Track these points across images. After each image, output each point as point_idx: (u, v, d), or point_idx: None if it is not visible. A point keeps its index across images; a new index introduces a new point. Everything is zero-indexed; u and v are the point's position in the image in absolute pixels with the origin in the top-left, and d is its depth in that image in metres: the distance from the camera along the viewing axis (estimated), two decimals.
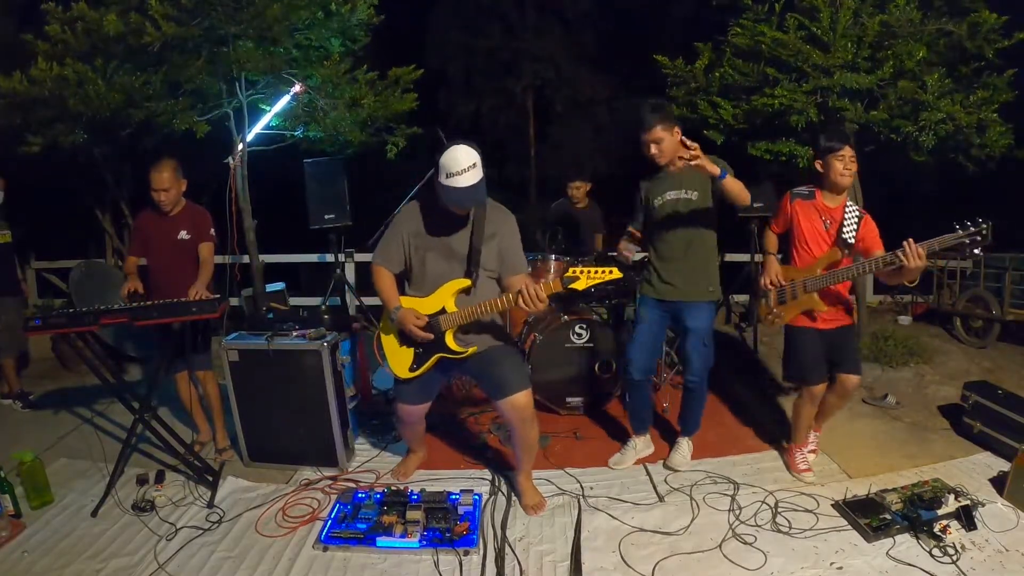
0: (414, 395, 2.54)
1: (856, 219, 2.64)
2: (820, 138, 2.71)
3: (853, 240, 2.62)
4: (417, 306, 2.35)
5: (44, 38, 3.91)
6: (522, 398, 2.37)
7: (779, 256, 2.84)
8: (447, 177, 2.13)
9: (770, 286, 2.75)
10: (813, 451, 3.02)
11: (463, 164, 2.12)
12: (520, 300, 2.15)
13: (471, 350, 2.36)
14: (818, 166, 2.68)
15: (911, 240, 2.28)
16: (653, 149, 2.66)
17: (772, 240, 2.87)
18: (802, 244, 2.72)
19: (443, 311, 2.32)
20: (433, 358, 2.39)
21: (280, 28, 4.02)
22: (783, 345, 2.87)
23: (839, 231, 2.64)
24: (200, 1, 3.74)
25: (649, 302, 2.88)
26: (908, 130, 4.00)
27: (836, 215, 2.66)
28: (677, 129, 2.65)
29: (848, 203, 2.69)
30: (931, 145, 4.01)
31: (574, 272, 2.08)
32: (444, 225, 2.33)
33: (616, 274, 2.10)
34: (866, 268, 2.53)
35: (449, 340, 2.34)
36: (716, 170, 2.48)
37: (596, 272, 2.08)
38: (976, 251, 2.22)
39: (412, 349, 2.41)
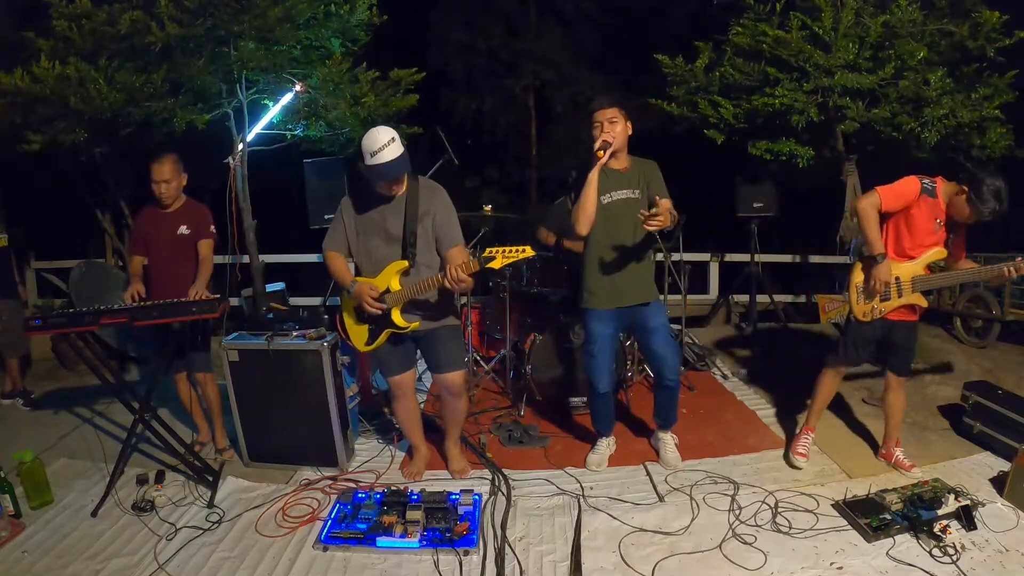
0: (395, 366, 2.72)
1: (961, 226, 2.68)
2: (990, 184, 2.49)
3: (951, 243, 2.67)
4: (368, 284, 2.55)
5: (46, 36, 3.91)
6: (455, 376, 2.68)
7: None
8: (371, 156, 2.30)
9: (881, 290, 2.64)
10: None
11: (382, 141, 2.28)
12: (446, 280, 2.31)
13: (414, 325, 2.56)
14: (963, 194, 2.54)
15: (1020, 259, 2.44)
16: (607, 128, 2.55)
17: (879, 229, 2.62)
18: (909, 236, 2.63)
19: (388, 291, 2.50)
20: (384, 333, 2.59)
21: (282, 29, 4.02)
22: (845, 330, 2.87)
23: (949, 236, 2.64)
24: (204, 2, 3.75)
25: (600, 315, 2.74)
26: (911, 127, 3.99)
27: (944, 218, 2.63)
28: (630, 124, 2.63)
29: None
30: (934, 141, 4.01)
31: (490, 252, 2.25)
32: (379, 211, 2.52)
33: (529, 252, 2.26)
34: (973, 276, 2.65)
35: (395, 316, 2.52)
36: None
37: (510, 251, 2.25)
38: None
39: (367, 325, 2.63)
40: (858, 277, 2.74)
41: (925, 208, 2.59)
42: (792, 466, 2.94)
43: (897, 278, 2.65)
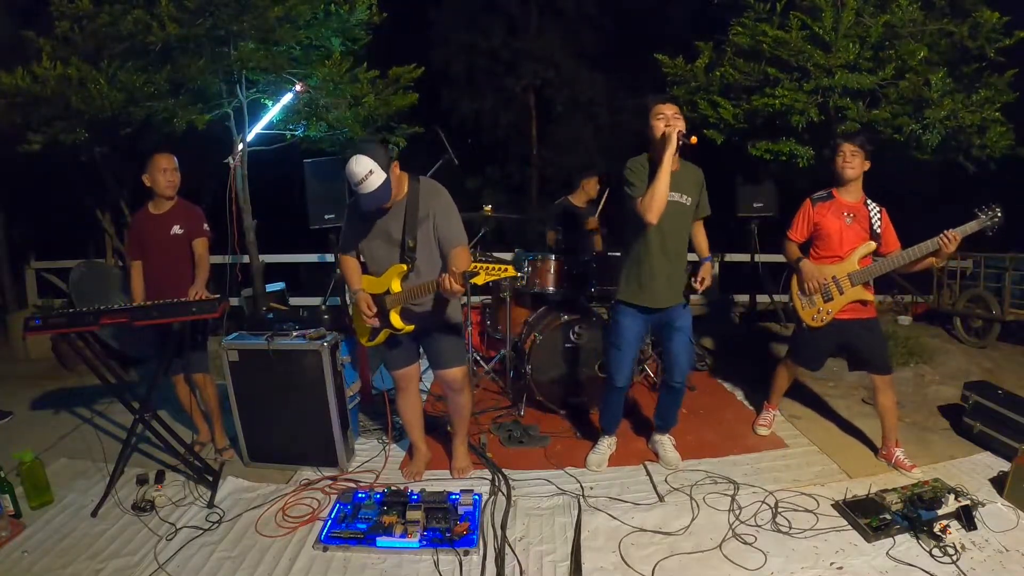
0: (399, 360, 2.79)
1: (878, 214, 2.83)
2: (840, 136, 2.86)
3: (880, 231, 2.81)
4: (371, 284, 2.62)
5: (47, 36, 3.91)
6: (455, 372, 2.74)
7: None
8: (354, 187, 2.38)
9: (816, 289, 2.86)
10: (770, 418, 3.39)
11: (360, 175, 2.33)
12: (441, 289, 2.36)
13: (409, 328, 2.60)
14: (835, 162, 2.86)
15: (948, 230, 2.60)
16: (672, 121, 2.51)
17: (795, 249, 3.00)
18: (830, 242, 2.86)
19: (388, 292, 2.55)
20: (382, 333, 2.65)
21: (283, 29, 4.02)
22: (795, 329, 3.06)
23: (870, 224, 2.82)
24: (204, 2, 3.75)
25: (632, 311, 2.76)
26: (912, 128, 3.99)
27: (858, 210, 2.83)
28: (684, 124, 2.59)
29: (867, 200, 2.86)
30: (935, 143, 4.01)
31: (475, 267, 2.28)
32: (381, 215, 2.55)
33: (511, 272, 2.31)
34: (908, 257, 2.71)
35: (394, 318, 2.56)
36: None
37: (494, 268, 2.28)
38: (994, 230, 2.61)
39: (369, 324, 2.68)
40: (795, 286, 2.96)
41: (826, 211, 2.87)
42: (756, 434, 3.32)
43: (834, 277, 2.83)
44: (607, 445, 3.06)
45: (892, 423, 2.92)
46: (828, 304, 2.85)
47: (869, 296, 2.85)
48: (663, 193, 2.47)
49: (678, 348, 2.79)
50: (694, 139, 2.47)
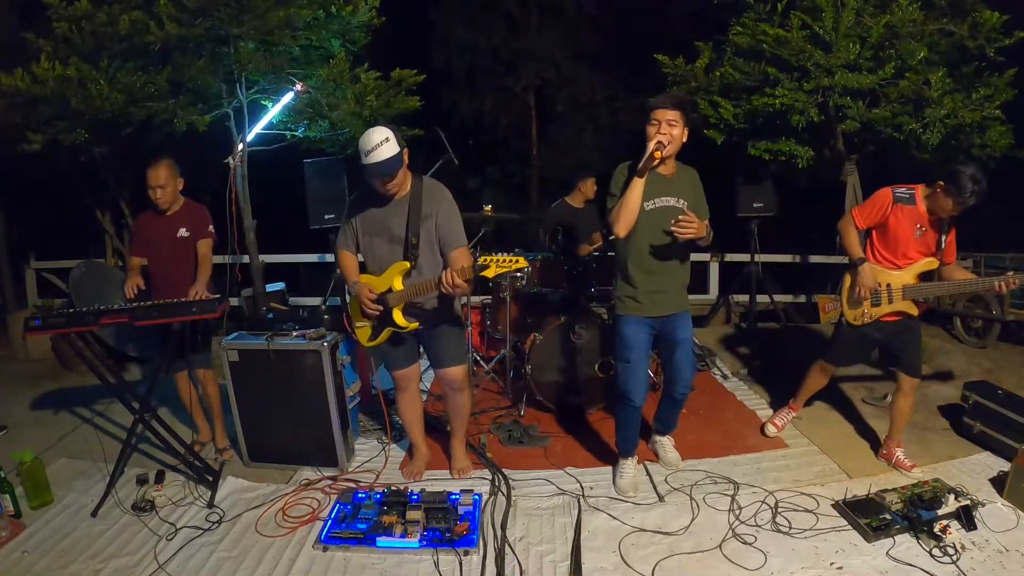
0: (400, 359, 2.79)
1: (948, 227, 2.70)
2: (963, 170, 2.51)
3: (944, 245, 2.70)
4: (372, 283, 2.59)
5: (46, 37, 3.91)
6: (455, 371, 2.73)
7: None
8: (366, 156, 2.34)
9: (868, 296, 2.75)
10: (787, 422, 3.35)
11: (376, 140, 2.32)
12: (442, 286, 2.35)
13: (413, 325, 2.59)
14: (940, 188, 2.57)
15: (1011, 273, 2.50)
16: (664, 129, 2.39)
17: (856, 240, 2.78)
18: (895, 248, 2.72)
19: (390, 290, 2.54)
20: (385, 331, 2.63)
21: (282, 32, 4.02)
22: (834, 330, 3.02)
23: (938, 239, 2.69)
24: (204, 2, 3.75)
25: (636, 322, 2.62)
26: (912, 127, 3.99)
27: (933, 224, 2.68)
28: (687, 131, 2.49)
29: None
30: (935, 143, 4.01)
31: (485, 260, 2.28)
32: (384, 211, 2.55)
33: (522, 263, 2.30)
34: (964, 287, 2.65)
35: (396, 316, 2.55)
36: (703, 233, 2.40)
37: (504, 261, 2.28)
38: None
39: (369, 322, 2.67)
40: (847, 284, 2.87)
41: (902, 216, 2.67)
42: (763, 434, 3.29)
43: (888, 285, 2.74)
44: (632, 467, 2.85)
45: (901, 425, 2.91)
46: (875, 309, 2.78)
47: (915, 311, 2.74)
48: (631, 206, 2.42)
49: (681, 361, 2.70)
50: (657, 153, 2.37)
